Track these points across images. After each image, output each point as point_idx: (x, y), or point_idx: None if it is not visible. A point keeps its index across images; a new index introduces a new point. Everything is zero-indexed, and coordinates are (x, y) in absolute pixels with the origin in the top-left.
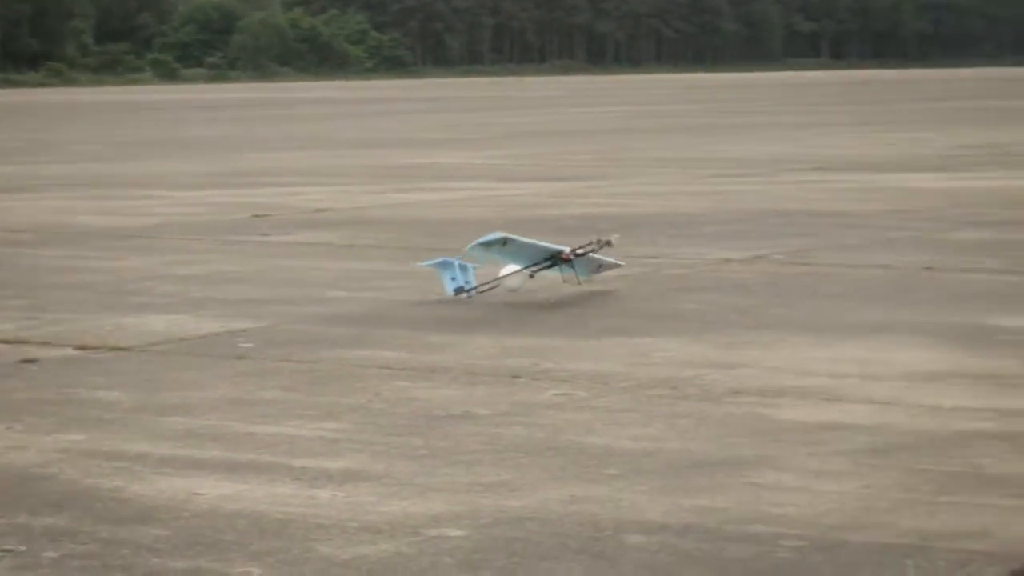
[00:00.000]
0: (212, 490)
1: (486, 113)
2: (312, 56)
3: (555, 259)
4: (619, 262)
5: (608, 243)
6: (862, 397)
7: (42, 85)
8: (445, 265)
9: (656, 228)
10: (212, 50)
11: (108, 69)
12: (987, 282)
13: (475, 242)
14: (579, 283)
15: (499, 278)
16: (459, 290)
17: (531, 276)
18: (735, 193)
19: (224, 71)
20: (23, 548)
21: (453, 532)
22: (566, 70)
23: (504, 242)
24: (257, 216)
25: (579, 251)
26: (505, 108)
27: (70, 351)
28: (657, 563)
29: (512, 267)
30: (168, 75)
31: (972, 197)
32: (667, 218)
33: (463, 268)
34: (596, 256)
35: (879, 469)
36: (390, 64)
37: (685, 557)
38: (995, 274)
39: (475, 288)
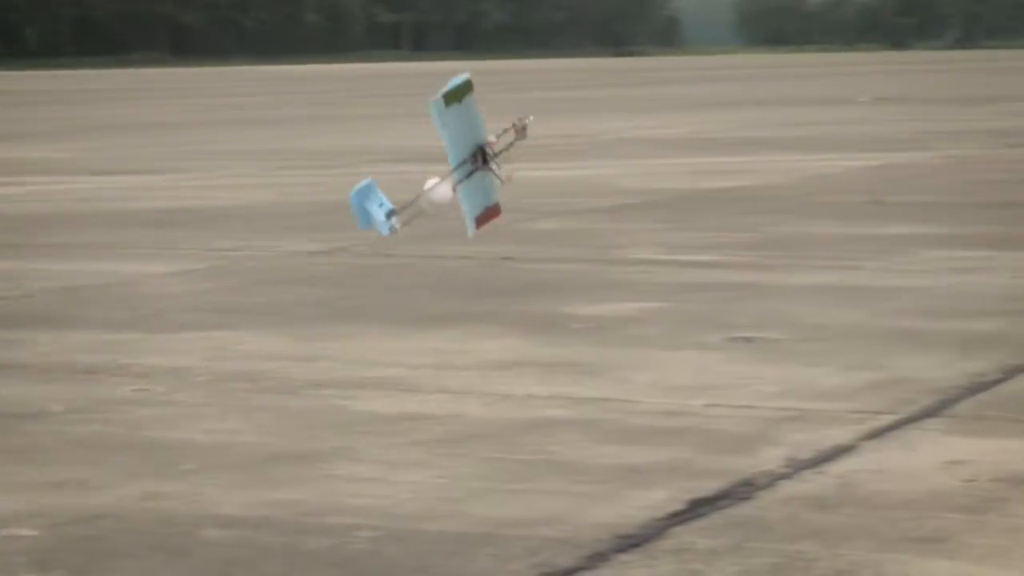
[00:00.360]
0: None
1: (63, 107)
2: None
3: (477, 157)
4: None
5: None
6: (438, 387)
7: None
8: (368, 193)
9: (235, 221)
10: None
11: None
12: (562, 271)
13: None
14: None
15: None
16: (391, 215)
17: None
18: (317, 185)
19: None
20: None
21: (25, 532)
22: (150, 62)
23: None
24: None
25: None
26: (82, 102)
27: None
28: (233, 557)
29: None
30: None
31: (551, 188)
32: (246, 210)
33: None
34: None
35: (454, 458)
36: None
37: (262, 550)
38: (570, 263)
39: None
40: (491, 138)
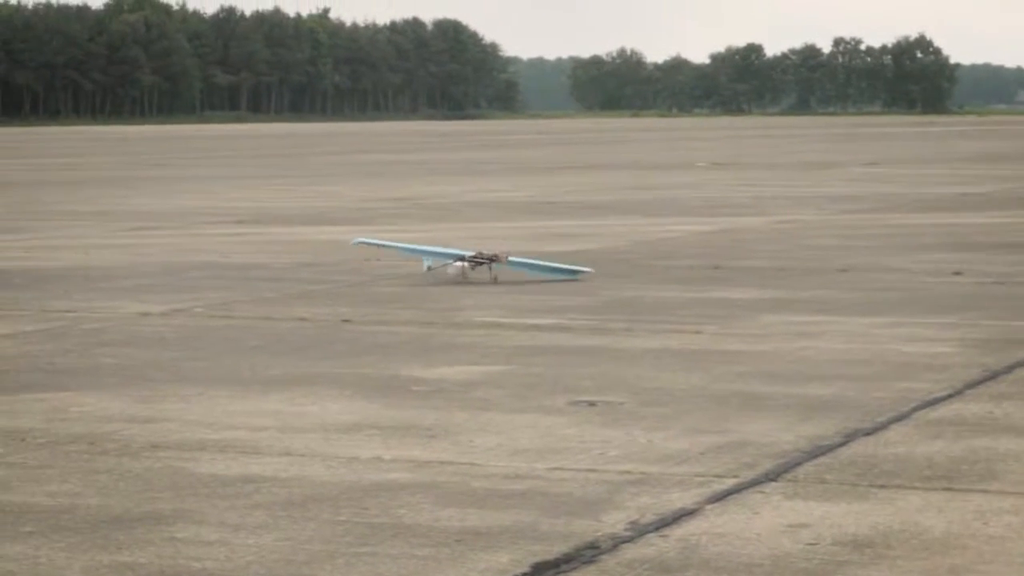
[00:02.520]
0: None
1: None
2: None
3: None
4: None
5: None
6: (280, 450)
7: None
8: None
9: (72, 282)
10: None
11: None
12: (403, 333)
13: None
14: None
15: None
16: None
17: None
18: (153, 246)
19: None
20: None
21: None
22: None
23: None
24: None
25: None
26: None
27: None
28: None
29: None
30: None
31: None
32: (83, 271)
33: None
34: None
35: (298, 521)
36: None
37: None
38: (410, 325)
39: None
40: (472, 253)
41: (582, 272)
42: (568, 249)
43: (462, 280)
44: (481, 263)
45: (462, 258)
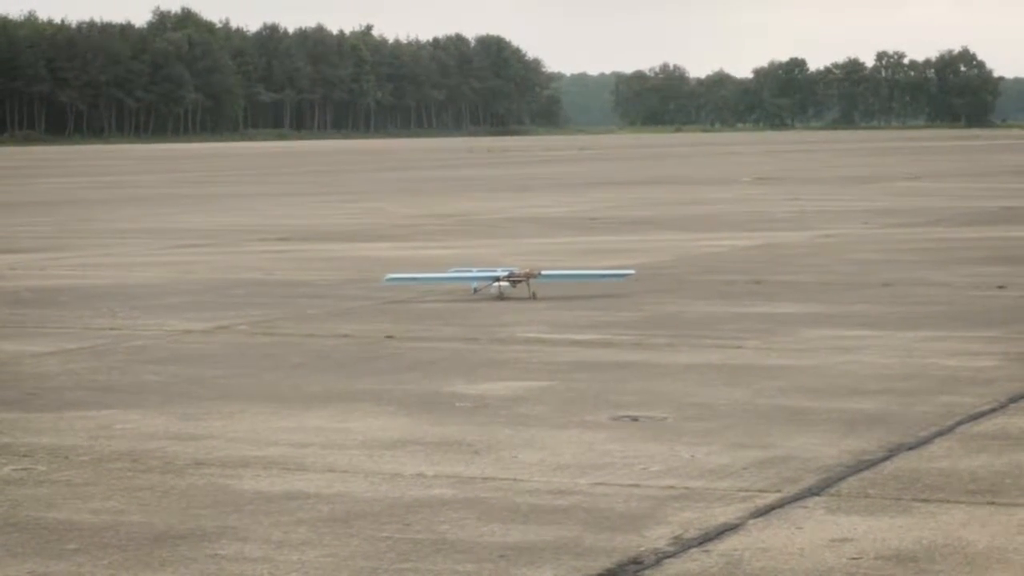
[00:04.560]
0: None
1: None
2: None
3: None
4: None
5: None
6: (323, 466)
7: None
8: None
9: (117, 300)
10: None
11: None
12: (445, 349)
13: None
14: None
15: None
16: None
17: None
18: (198, 264)
19: None
20: None
21: None
22: (27, 140)
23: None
24: None
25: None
26: None
27: None
28: None
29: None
30: None
31: (436, 266)
32: (128, 289)
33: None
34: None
35: (341, 538)
36: None
37: None
38: (453, 342)
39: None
40: (509, 272)
41: (627, 275)
42: (611, 263)
43: (501, 298)
44: (519, 281)
45: (497, 278)
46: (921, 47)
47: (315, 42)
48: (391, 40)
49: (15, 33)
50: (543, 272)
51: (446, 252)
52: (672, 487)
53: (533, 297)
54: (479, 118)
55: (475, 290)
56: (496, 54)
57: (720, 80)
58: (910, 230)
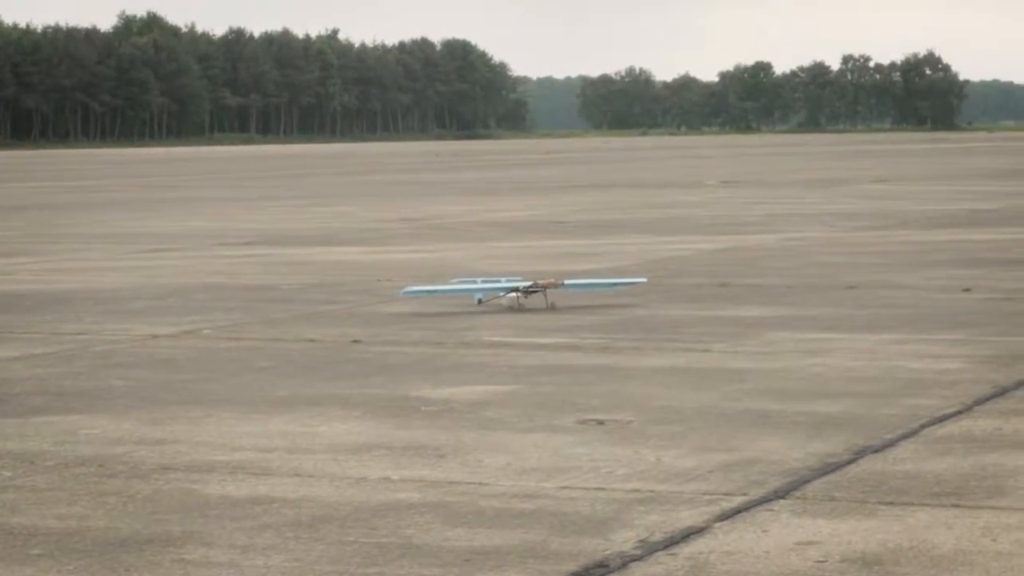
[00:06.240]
0: None
1: None
2: None
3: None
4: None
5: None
6: (289, 470)
7: None
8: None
9: (82, 304)
10: None
11: None
12: (412, 354)
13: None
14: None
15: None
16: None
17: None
18: (164, 268)
19: None
20: None
21: None
22: None
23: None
24: None
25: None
26: None
27: None
28: None
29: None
30: None
31: (402, 270)
32: (94, 294)
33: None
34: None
35: (306, 542)
36: None
37: None
38: (420, 346)
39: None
40: (527, 283)
41: (637, 283)
42: (578, 268)
43: (517, 309)
44: (535, 291)
45: (515, 289)
46: (887, 50)
47: (281, 46)
48: (357, 44)
49: None
50: (567, 282)
51: (415, 256)
52: (638, 490)
53: (552, 308)
54: (445, 122)
55: (479, 301)
56: (462, 58)
57: (686, 83)
58: (876, 233)
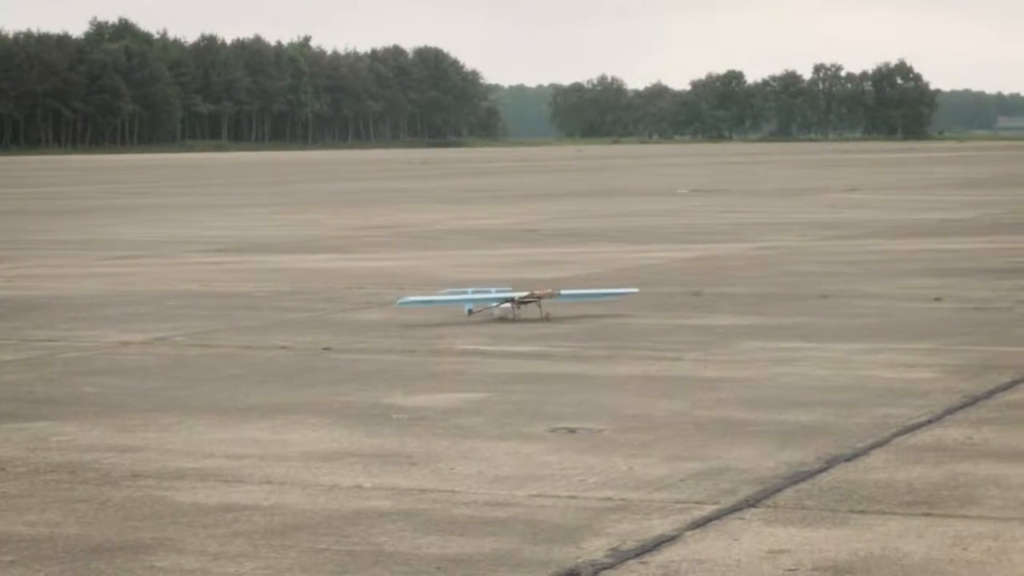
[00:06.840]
0: None
1: None
2: None
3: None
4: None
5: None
6: (261, 478)
7: None
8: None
9: (53, 311)
10: None
11: None
12: (384, 361)
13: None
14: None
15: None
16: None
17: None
18: (135, 275)
19: None
20: None
21: None
22: None
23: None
24: None
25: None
26: None
27: None
28: None
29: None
30: None
31: (374, 278)
32: (64, 300)
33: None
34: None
35: (278, 550)
36: None
37: None
38: (392, 353)
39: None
40: (522, 294)
41: (629, 293)
42: (549, 276)
43: (511, 319)
44: (530, 301)
45: (511, 300)
46: (858, 60)
47: (253, 53)
48: (329, 51)
49: None
50: (562, 292)
51: (386, 264)
52: (609, 499)
53: (546, 318)
54: (417, 130)
55: (469, 312)
56: (434, 66)
57: (658, 92)
58: (847, 242)
